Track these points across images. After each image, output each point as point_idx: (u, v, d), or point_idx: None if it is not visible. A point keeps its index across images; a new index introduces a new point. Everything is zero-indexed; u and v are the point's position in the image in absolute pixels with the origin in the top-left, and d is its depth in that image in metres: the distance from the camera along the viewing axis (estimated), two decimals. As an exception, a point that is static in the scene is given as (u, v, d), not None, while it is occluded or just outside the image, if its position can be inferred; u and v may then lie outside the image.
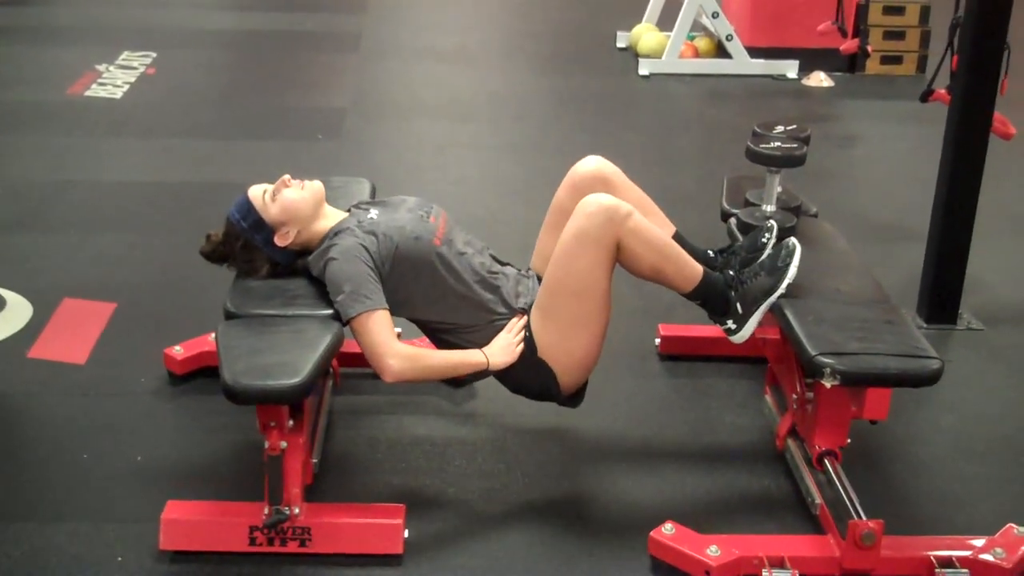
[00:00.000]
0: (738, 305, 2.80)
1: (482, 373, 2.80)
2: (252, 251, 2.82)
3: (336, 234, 2.76)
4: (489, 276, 2.85)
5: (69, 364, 3.41)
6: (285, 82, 6.68)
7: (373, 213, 2.84)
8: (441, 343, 2.86)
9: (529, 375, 2.80)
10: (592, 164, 3.00)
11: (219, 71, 6.96)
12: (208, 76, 6.81)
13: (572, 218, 2.73)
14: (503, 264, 2.97)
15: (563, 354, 2.78)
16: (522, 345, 2.79)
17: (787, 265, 2.76)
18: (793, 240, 2.80)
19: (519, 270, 2.98)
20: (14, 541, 2.63)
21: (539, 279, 2.94)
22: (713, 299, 2.82)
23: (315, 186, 2.84)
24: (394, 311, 2.73)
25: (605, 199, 2.70)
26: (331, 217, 2.85)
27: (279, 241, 2.80)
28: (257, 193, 2.81)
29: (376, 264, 2.71)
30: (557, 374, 2.79)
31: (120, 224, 4.46)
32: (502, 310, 2.83)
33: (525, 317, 2.82)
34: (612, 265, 2.74)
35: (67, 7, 8.30)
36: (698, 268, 2.80)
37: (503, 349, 2.78)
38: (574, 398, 2.90)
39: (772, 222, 2.92)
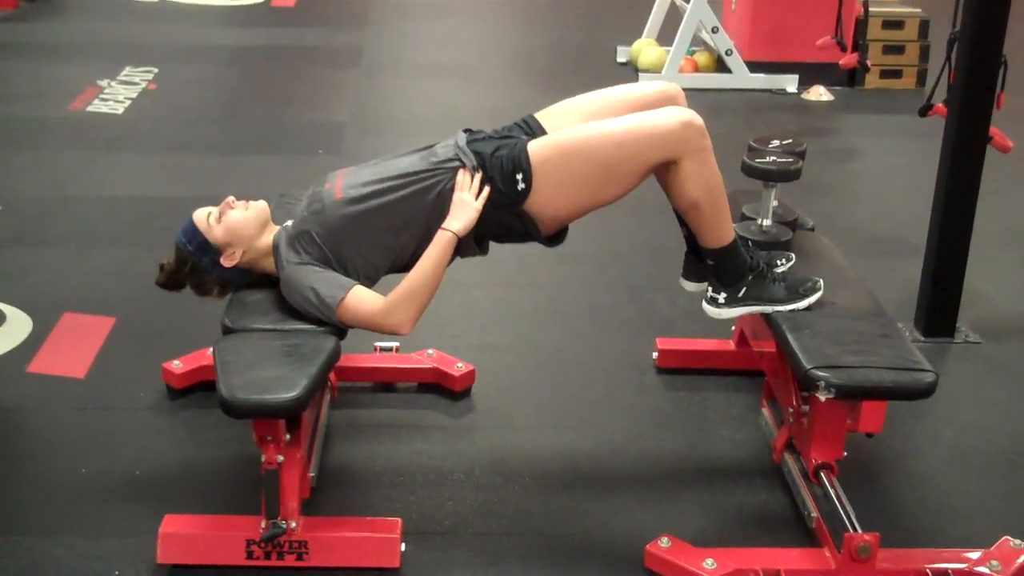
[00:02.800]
0: (744, 288, 2.80)
1: (467, 244, 2.74)
2: (200, 273, 2.84)
3: (280, 265, 2.76)
4: (398, 168, 2.75)
5: (68, 378, 3.42)
6: (286, 97, 6.70)
7: (289, 222, 2.85)
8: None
9: (510, 222, 2.73)
10: (675, 89, 2.94)
11: (220, 86, 6.98)
12: (209, 91, 6.83)
13: (658, 111, 2.68)
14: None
15: (551, 206, 2.70)
16: (484, 194, 2.69)
17: (804, 296, 2.78)
18: (822, 283, 2.80)
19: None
20: (12, 555, 2.64)
21: (526, 124, 2.85)
22: (728, 268, 2.79)
23: (259, 206, 2.85)
24: (372, 280, 2.76)
25: (700, 121, 2.66)
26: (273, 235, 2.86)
27: (225, 262, 2.81)
28: (202, 216, 2.83)
29: (319, 260, 2.71)
30: (538, 222, 2.73)
31: (120, 239, 4.48)
32: (431, 180, 2.71)
33: (465, 170, 2.71)
34: (650, 172, 2.69)
35: (70, 23, 8.34)
36: (732, 232, 2.78)
37: (460, 210, 2.68)
38: (555, 238, 2.83)
39: (792, 255, 2.94)
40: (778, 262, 2.90)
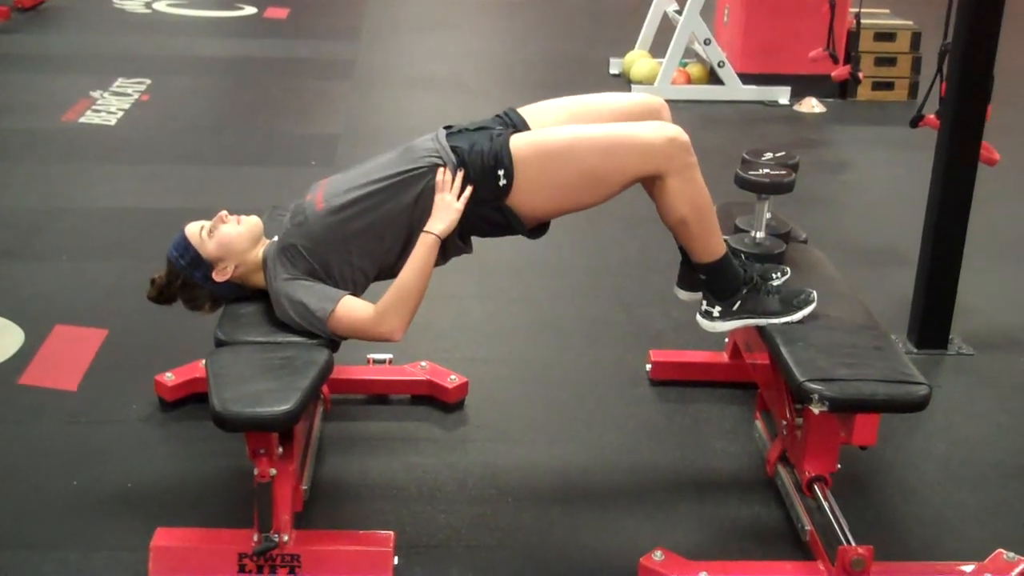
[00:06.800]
0: (738, 302, 2.80)
1: (452, 243, 2.72)
2: (192, 288, 2.84)
3: (269, 279, 2.76)
4: (377, 170, 2.73)
5: (60, 391, 3.41)
6: (279, 109, 6.71)
7: (275, 236, 2.84)
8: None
9: (491, 216, 2.71)
10: (659, 102, 2.91)
11: (213, 97, 6.98)
12: (202, 102, 6.83)
13: (645, 124, 2.68)
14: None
15: (531, 203, 2.69)
16: (466, 194, 2.67)
17: (798, 308, 2.78)
18: (816, 294, 2.81)
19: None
20: (3, 569, 2.63)
21: (507, 117, 2.84)
22: (721, 282, 2.79)
23: (251, 221, 2.85)
24: (361, 288, 2.76)
25: (685, 137, 2.66)
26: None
27: (217, 276, 2.81)
28: (194, 230, 2.82)
29: (307, 273, 2.71)
30: (520, 216, 2.71)
31: (112, 251, 4.47)
32: (410, 180, 2.68)
33: (445, 169, 2.68)
34: (631, 184, 2.68)
35: (62, 34, 8.34)
36: (723, 246, 2.77)
37: (442, 211, 2.67)
38: (537, 231, 2.81)
39: (788, 268, 2.94)
40: (773, 276, 2.90)
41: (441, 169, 2.69)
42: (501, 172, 2.67)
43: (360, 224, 2.71)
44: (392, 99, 6.96)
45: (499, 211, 2.71)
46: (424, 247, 2.67)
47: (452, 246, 2.75)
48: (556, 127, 2.77)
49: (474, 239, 2.82)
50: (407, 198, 2.70)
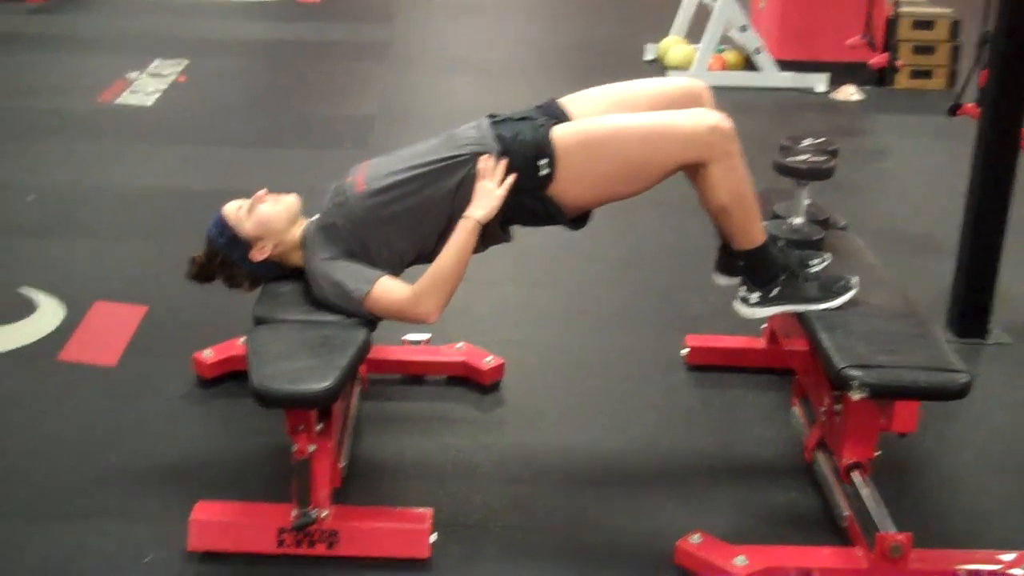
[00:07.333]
0: (776, 288, 2.79)
1: (492, 230, 2.72)
2: (231, 267, 2.86)
3: (307, 259, 2.77)
4: (419, 156, 2.75)
5: (100, 366, 3.44)
6: (314, 90, 6.72)
7: (315, 216, 2.85)
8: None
9: (533, 206, 2.71)
10: (701, 87, 2.92)
11: (249, 79, 7.01)
12: (238, 84, 6.86)
13: (687, 112, 2.68)
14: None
15: (573, 192, 2.69)
16: (508, 181, 2.67)
17: (837, 294, 2.76)
18: (857, 279, 2.80)
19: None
20: (46, 539, 2.66)
21: (548, 108, 2.85)
22: (760, 269, 2.78)
23: (289, 200, 2.86)
24: (398, 270, 2.76)
25: (729, 125, 2.65)
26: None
27: (255, 256, 2.82)
28: (232, 209, 2.84)
29: (346, 253, 2.72)
30: (561, 206, 2.72)
31: (151, 229, 4.50)
32: (452, 167, 2.70)
33: (487, 156, 2.68)
34: (675, 171, 2.68)
35: (99, 15, 8.38)
36: (763, 233, 2.76)
37: (484, 198, 2.66)
38: (578, 221, 2.81)
39: (829, 254, 2.92)
40: (812, 262, 2.89)
41: (484, 156, 2.70)
42: (543, 162, 2.68)
43: (400, 208, 2.72)
44: (427, 81, 6.96)
45: (540, 201, 2.71)
46: (463, 231, 2.68)
47: (492, 234, 2.76)
48: (598, 117, 2.77)
49: (513, 228, 2.83)
50: (448, 185, 2.71)
